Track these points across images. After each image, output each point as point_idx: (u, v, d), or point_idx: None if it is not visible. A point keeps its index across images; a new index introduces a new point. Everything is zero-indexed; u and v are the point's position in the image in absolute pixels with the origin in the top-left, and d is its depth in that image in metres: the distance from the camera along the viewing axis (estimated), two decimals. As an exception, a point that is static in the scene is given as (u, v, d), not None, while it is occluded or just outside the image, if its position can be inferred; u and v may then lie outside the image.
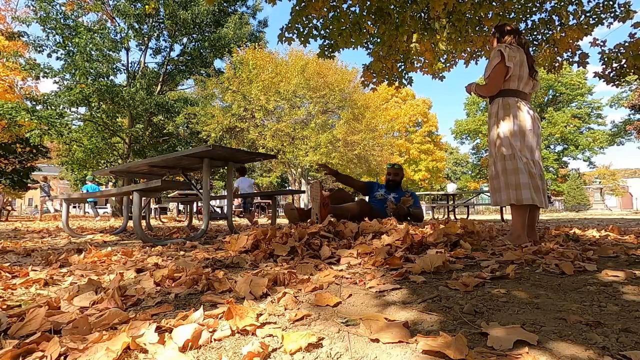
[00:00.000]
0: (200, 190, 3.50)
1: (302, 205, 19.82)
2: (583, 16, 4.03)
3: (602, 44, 4.19)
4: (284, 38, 3.79)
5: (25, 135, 13.02)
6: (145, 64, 15.58)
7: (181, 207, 13.95)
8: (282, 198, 21.08)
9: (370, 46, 4.34)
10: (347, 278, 1.26)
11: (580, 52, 4.26)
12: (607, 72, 4.28)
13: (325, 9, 3.66)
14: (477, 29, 4.11)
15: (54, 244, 2.91)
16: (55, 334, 0.77)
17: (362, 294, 1.06)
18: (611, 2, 3.92)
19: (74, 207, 21.79)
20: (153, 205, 10.34)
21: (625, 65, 4.12)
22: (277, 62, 16.17)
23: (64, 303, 1.00)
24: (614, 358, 0.62)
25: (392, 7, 3.75)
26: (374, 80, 4.58)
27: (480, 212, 18.75)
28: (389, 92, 26.87)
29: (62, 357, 0.65)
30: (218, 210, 12.42)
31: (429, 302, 0.97)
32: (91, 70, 12.94)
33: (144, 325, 0.77)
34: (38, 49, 12.96)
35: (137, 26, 14.34)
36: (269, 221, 5.94)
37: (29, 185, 20.63)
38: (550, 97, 30.63)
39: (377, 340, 0.70)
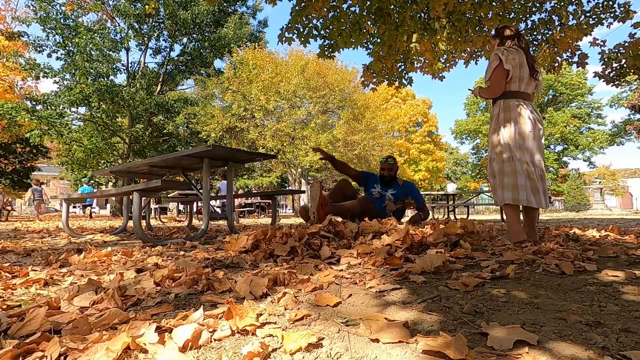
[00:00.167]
0: (200, 190, 3.50)
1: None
2: (583, 16, 4.03)
3: (602, 44, 4.19)
4: (284, 38, 3.79)
5: (25, 135, 13.03)
6: (145, 64, 15.59)
7: (181, 207, 13.94)
8: (282, 198, 21.06)
9: (370, 46, 4.34)
10: (347, 278, 1.26)
11: (579, 52, 4.26)
12: (607, 72, 4.28)
13: (325, 9, 3.66)
14: (477, 29, 4.11)
15: (54, 244, 2.92)
16: (55, 334, 0.77)
17: (362, 294, 1.06)
18: (611, 2, 3.92)
19: (74, 207, 21.78)
20: (153, 205, 10.34)
21: (625, 65, 4.12)
22: (277, 62, 16.17)
23: (64, 303, 1.00)
24: (614, 358, 0.62)
25: (392, 7, 3.75)
26: (374, 80, 4.58)
27: (480, 212, 18.76)
28: (389, 92, 26.87)
29: (62, 357, 0.65)
30: (218, 210, 12.42)
31: (429, 302, 0.97)
32: (91, 70, 12.95)
33: (144, 325, 0.77)
34: (38, 49, 12.97)
35: (137, 26, 14.35)
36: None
37: (32, 183, 20.65)
38: (550, 97, 30.64)
39: (377, 340, 0.70)
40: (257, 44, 16.86)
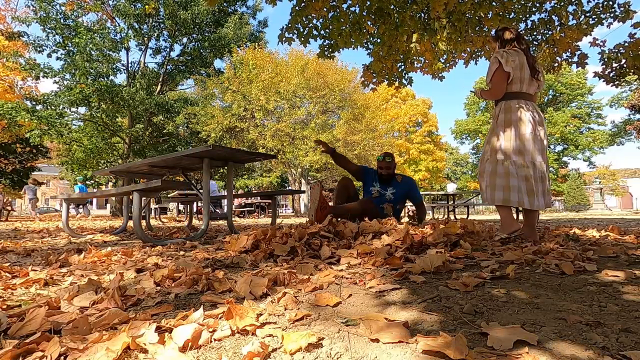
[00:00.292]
0: (200, 190, 3.50)
1: (302, 206, 19.81)
2: (583, 16, 4.03)
3: (601, 44, 4.19)
4: (284, 38, 3.79)
5: (25, 135, 13.03)
6: (145, 64, 15.59)
7: (181, 207, 13.95)
8: (282, 198, 21.06)
9: (370, 46, 4.33)
10: (347, 278, 1.26)
11: (579, 52, 4.26)
12: (607, 72, 4.27)
13: (325, 9, 3.66)
14: (477, 29, 4.11)
15: (54, 244, 2.92)
16: (55, 334, 0.77)
17: (362, 294, 1.06)
18: (611, 2, 3.92)
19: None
20: (153, 205, 10.35)
21: (625, 65, 4.12)
22: (277, 62, 16.18)
23: (64, 303, 1.00)
24: (614, 358, 0.62)
25: (392, 7, 3.75)
26: (374, 80, 4.58)
27: (480, 212, 18.76)
28: (389, 92, 26.88)
29: (62, 357, 0.65)
30: (218, 210, 12.42)
31: (429, 302, 0.97)
32: (91, 70, 12.95)
33: (144, 325, 0.77)
34: (38, 49, 12.98)
35: (137, 26, 14.36)
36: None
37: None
38: (550, 97, 30.65)
39: (377, 340, 0.70)
40: (257, 44, 16.87)
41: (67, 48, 12.80)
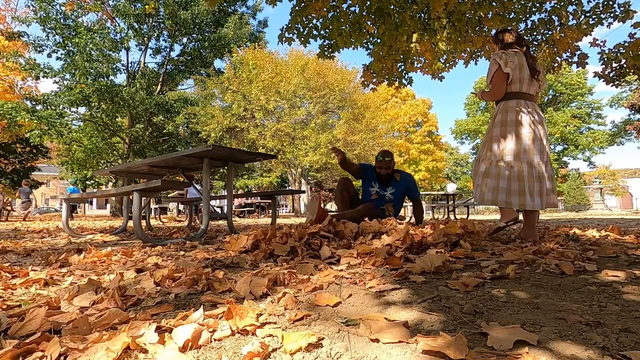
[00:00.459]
0: (200, 190, 3.50)
1: (302, 206, 19.80)
2: (583, 16, 4.03)
3: (601, 44, 4.19)
4: (284, 38, 3.79)
5: (25, 135, 13.04)
6: (145, 64, 15.59)
7: (181, 207, 13.95)
8: (281, 198, 21.07)
9: (370, 46, 4.33)
10: (347, 278, 1.26)
11: (579, 52, 4.26)
12: (607, 72, 4.27)
13: (325, 9, 3.65)
14: (477, 29, 4.11)
15: (54, 244, 2.92)
16: (55, 334, 0.77)
17: (362, 294, 1.06)
18: (611, 2, 3.91)
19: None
20: (153, 205, 10.35)
21: (625, 65, 4.12)
22: (277, 62, 16.18)
23: (64, 303, 1.00)
24: (614, 358, 0.62)
25: (392, 7, 3.75)
26: (374, 80, 4.57)
27: (480, 212, 18.76)
28: (389, 92, 26.88)
29: (62, 357, 0.65)
30: (218, 210, 12.46)
31: (429, 302, 0.97)
32: (91, 70, 12.95)
33: (144, 325, 0.77)
34: (38, 49, 12.97)
35: (137, 26, 14.35)
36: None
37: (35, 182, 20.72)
38: (550, 97, 30.65)
39: (377, 340, 0.70)
40: (257, 44, 16.87)
41: (67, 48, 12.80)
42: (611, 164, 33.06)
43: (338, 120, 17.29)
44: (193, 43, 16.29)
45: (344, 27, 3.79)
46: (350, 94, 16.88)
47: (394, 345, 0.68)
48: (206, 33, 15.97)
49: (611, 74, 4.25)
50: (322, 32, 3.87)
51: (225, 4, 15.95)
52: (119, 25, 13.91)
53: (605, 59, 4.19)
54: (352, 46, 3.97)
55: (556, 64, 4.43)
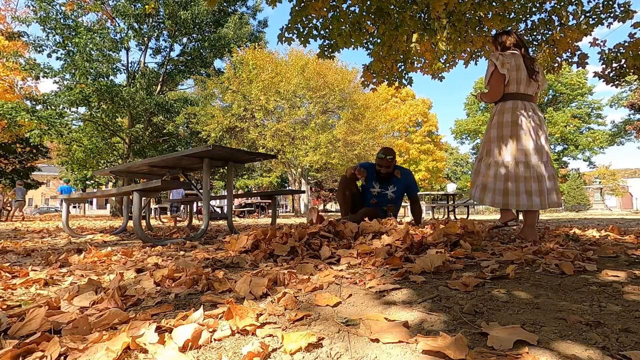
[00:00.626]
0: (200, 190, 3.50)
1: (302, 206, 19.80)
2: (583, 16, 4.03)
3: (601, 44, 4.19)
4: (283, 38, 3.79)
5: (25, 135, 13.04)
6: (145, 64, 15.60)
7: (181, 207, 13.95)
8: (281, 198, 21.06)
9: (370, 46, 4.33)
10: (347, 278, 1.26)
11: (579, 52, 4.26)
12: (607, 72, 4.27)
13: (325, 9, 3.65)
14: (477, 29, 4.11)
15: (54, 244, 2.92)
16: (55, 334, 0.77)
17: (362, 294, 1.06)
18: (611, 2, 3.91)
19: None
20: (153, 205, 10.36)
21: (625, 65, 4.12)
22: (277, 62, 16.18)
23: (64, 303, 1.00)
24: (614, 358, 0.62)
25: (392, 7, 3.75)
26: (374, 80, 4.57)
27: (480, 212, 18.76)
28: (389, 92, 26.88)
29: (62, 357, 0.65)
30: (218, 210, 12.46)
31: (429, 302, 0.97)
32: (91, 70, 12.96)
33: (144, 325, 0.77)
34: (38, 49, 12.98)
35: (136, 26, 14.36)
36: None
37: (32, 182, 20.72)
38: (550, 97, 30.65)
39: (377, 340, 0.70)
40: (257, 44, 16.87)
41: (67, 48, 12.80)
42: (611, 164, 33.11)
43: (338, 120, 17.30)
44: (193, 43, 16.29)
45: (344, 27, 3.79)
46: (350, 94, 16.88)
47: (394, 345, 0.68)
48: (206, 33, 15.97)
49: (611, 74, 4.24)
50: (322, 32, 3.87)
51: (225, 4, 15.95)
52: (119, 25, 13.91)
53: (605, 59, 4.19)
54: (352, 46, 3.97)
55: (556, 64, 4.43)
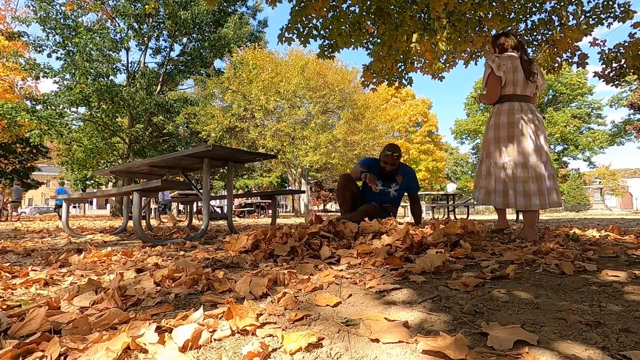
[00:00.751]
0: (200, 190, 3.50)
1: (302, 206, 19.80)
2: (583, 16, 4.03)
3: (601, 43, 4.19)
4: (283, 38, 3.79)
5: (25, 135, 13.04)
6: (145, 64, 15.60)
7: (181, 207, 13.95)
8: (281, 198, 21.07)
9: (370, 46, 4.33)
10: (347, 278, 1.26)
11: (579, 52, 4.26)
12: (607, 72, 4.27)
13: (325, 9, 3.65)
14: (477, 29, 4.11)
15: (54, 244, 2.92)
16: (55, 334, 0.77)
17: (362, 294, 1.06)
18: (611, 2, 3.91)
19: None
20: (153, 205, 10.36)
21: (625, 65, 4.12)
22: (277, 62, 16.18)
23: (64, 303, 1.00)
24: (614, 358, 0.62)
25: (392, 7, 3.75)
26: (374, 80, 4.57)
27: (480, 212, 18.76)
28: (388, 92, 26.89)
29: (62, 357, 0.65)
30: (218, 210, 12.46)
31: (429, 302, 0.97)
32: (91, 70, 12.96)
33: (144, 325, 0.77)
34: (38, 49, 12.98)
35: (136, 26, 14.36)
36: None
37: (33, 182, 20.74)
38: (550, 97, 30.65)
39: (377, 340, 0.70)
40: (257, 44, 16.87)
41: (67, 48, 12.80)
42: (611, 164, 33.13)
43: (338, 120, 17.29)
44: (193, 43, 16.29)
45: (344, 27, 3.79)
46: (350, 94, 16.88)
47: (394, 345, 0.68)
48: (206, 33, 15.97)
49: (611, 74, 4.25)
50: (322, 32, 3.87)
51: (225, 4, 15.96)
52: (119, 25, 13.92)
53: (605, 59, 4.19)
54: (352, 46, 3.96)
55: (556, 64, 4.43)
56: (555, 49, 4.22)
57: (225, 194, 13.95)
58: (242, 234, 2.03)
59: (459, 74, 22.13)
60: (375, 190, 3.29)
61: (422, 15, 3.99)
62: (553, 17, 4.13)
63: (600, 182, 17.88)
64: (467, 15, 3.90)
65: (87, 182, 21.29)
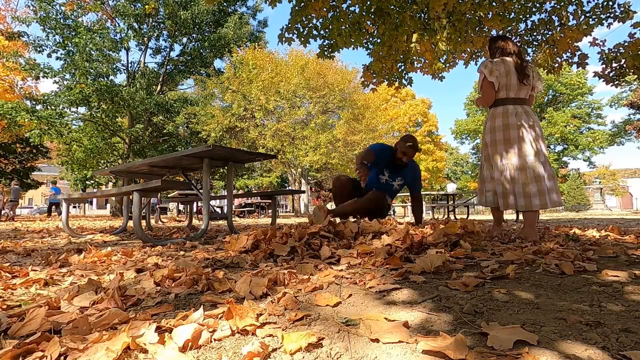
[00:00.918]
0: (200, 190, 3.50)
1: (302, 206, 19.79)
2: (583, 17, 4.03)
3: (601, 44, 4.19)
4: (284, 38, 3.79)
5: (25, 135, 13.05)
6: (145, 64, 15.59)
7: (181, 207, 13.95)
8: (281, 198, 21.08)
9: (370, 46, 4.33)
10: (347, 278, 1.26)
11: (579, 52, 4.26)
12: (607, 72, 4.27)
13: (325, 9, 3.65)
14: (477, 29, 4.11)
15: (54, 244, 2.91)
16: (55, 334, 0.77)
17: (362, 294, 1.06)
18: (611, 2, 3.91)
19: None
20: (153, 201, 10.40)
21: (625, 65, 4.12)
22: (277, 62, 16.19)
23: (64, 303, 1.00)
24: (614, 358, 0.62)
25: (392, 7, 3.75)
26: (374, 80, 4.57)
27: (480, 212, 18.76)
28: (388, 92, 26.88)
29: (62, 357, 0.65)
30: (218, 210, 12.47)
31: (429, 302, 0.97)
32: (91, 70, 12.95)
33: (144, 325, 0.77)
34: (38, 49, 12.97)
35: (136, 26, 14.35)
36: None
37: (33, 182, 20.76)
38: (550, 97, 30.65)
39: (377, 340, 0.70)
40: (257, 44, 16.87)
41: (67, 48, 12.79)
42: (611, 164, 33.15)
43: (338, 120, 17.30)
44: (193, 43, 16.28)
45: (343, 27, 3.79)
46: (350, 94, 16.89)
47: (394, 345, 0.68)
48: (206, 33, 15.96)
49: (611, 74, 4.25)
50: (322, 32, 3.87)
51: (225, 3, 15.94)
52: (119, 25, 13.91)
53: (605, 59, 4.19)
54: (352, 46, 3.97)
55: (556, 64, 4.43)
56: (555, 49, 4.22)
57: (225, 194, 13.95)
58: (242, 234, 2.03)
59: (459, 74, 22.18)
60: (374, 182, 3.21)
61: (422, 15, 3.99)
62: (553, 17, 4.14)
63: (600, 182, 17.89)
64: (467, 15, 3.90)
65: (87, 182, 21.28)
